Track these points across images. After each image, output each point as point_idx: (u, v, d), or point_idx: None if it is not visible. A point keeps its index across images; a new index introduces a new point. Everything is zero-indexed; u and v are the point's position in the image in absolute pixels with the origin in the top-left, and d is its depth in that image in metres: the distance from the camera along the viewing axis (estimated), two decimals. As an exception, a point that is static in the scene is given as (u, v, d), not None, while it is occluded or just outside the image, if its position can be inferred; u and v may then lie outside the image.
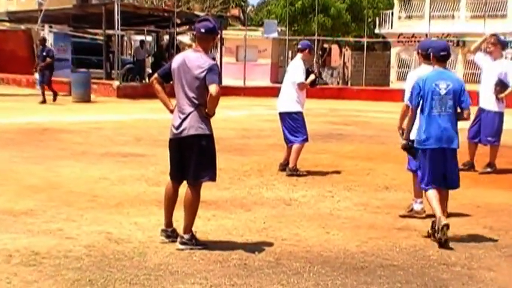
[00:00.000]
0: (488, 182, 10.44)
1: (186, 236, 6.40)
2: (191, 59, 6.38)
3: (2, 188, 8.84)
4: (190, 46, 50.40)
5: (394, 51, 41.09)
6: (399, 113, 7.63)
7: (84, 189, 8.93)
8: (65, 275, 5.48)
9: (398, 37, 40.39)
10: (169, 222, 6.62)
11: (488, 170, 11.11)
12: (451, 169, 7.14)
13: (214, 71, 6.28)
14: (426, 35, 31.92)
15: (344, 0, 42.35)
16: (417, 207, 8.04)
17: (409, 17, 41.64)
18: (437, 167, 7.09)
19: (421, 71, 7.82)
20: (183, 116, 6.34)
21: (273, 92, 31.42)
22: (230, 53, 44.17)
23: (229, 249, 6.38)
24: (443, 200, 7.12)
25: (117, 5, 26.85)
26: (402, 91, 7.88)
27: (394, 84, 38.29)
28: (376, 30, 42.68)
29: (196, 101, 6.31)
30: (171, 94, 6.42)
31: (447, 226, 6.65)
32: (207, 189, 9.11)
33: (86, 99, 23.83)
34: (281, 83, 11.48)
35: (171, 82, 6.52)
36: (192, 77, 6.29)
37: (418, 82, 7.10)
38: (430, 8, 36.23)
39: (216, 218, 7.61)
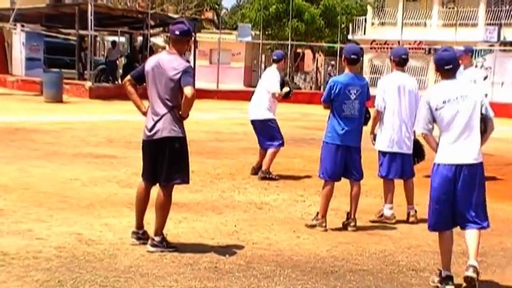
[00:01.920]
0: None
1: (157, 239, 6.39)
2: (165, 61, 6.39)
3: (-28, 187, 8.74)
4: (164, 48, 50.36)
5: (366, 57, 41.32)
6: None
7: (55, 190, 8.88)
8: (34, 276, 5.44)
9: (371, 43, 40.68)
10: (140, 224, 6.61)
11: None
12: None
13: (189, 73, 6.31)
14: (398, 42, 32.17)
15: (318, 6, 42.50)
16: (387, 212, 8.11)
17: (382, 24, 41.99)
18: None
19: (393, 77, 7.98)
20: (156, 118, 6.34)
21: (246, 96, 31.45)
22: (204, 55, 44.19)
23: (200, 252, 6.39)
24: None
25: (91, 5, 26.72)
26: (373, 97, 7.96)
27: (367, 90, 38.51)
28: (350, 36, 42.90)
29: (170, 103, 6.32)
30: (144, 96, 6.42)
31: None
32: (178, 192, 9.11)
33: (58, 99, 23.65)
34: (254, 86, 11.51)
35: (144, 84, 6.52)
36: (166, 79, 6.30)
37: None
38: (403, 15, 36.47)
39: (188, 221, 7.61)
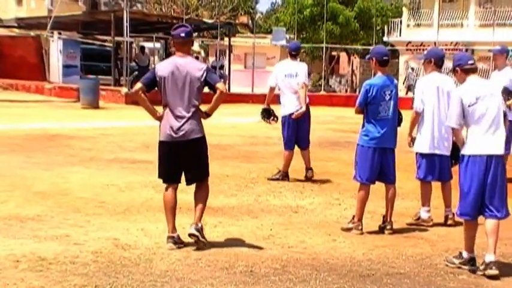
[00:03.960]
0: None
1: (200, 224, 6.60)
2: (184, 63, 6.61)
3: (11, 193, 8.87)
4: (199, 53, 50.64)
5: (402, 59, 41.08)
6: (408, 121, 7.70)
7: (92, 196, 8.96)
8: (71, 281, 5.49)
9: (407, 45, 40.42)
10: (174, 227, 6.67)
11: None
12: None
13: (212, 71, 6.71)
14: (435, 43, 31.89)
15: (353, 8, 42.34)
16: (424, 215, 8.03)
17: (418, 25, 41.67)
18: None
19: (432, 78, 7.86)
20: (182, 120, 6.55)
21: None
22: (238, 60, 44.28)
23: (236, 256, 6.39)
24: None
25: (126, 12, 26.98)
26: (411, 99, 7.89)
27: (403, 92, 38.25)
28: (385, 38, 42.67)
29: (196, 103, 6.58)
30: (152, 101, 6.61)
31: None
32: (214, 197, 9.14)
33: (94, 105, 23.88)
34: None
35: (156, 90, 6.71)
36: (192, 80, 6.54)
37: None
38: (439, 16, 36.22)
39: (223, 225, 7.62)
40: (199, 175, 6.76)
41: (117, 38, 29.22)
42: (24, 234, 6.86)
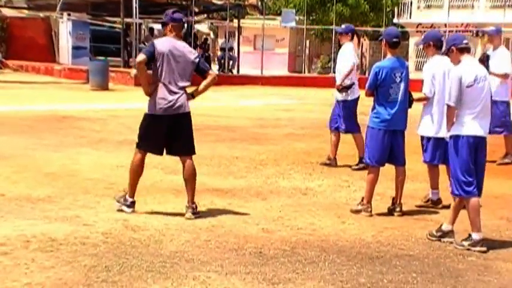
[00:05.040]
0: (506, 173, 10.38)
1: (194, 205, 7.06)
2: (181, 45, 7.10)
3: (21, 175, 8.90)
4: (208, 35, 50.49)
5: (412, 41, 40.78)
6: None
7: (102, 177, 8.99)
8: (81, 262, 5.53)
9: (417, 27, 40.12)
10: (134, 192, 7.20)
11: (506, 160, 11.04)
12: None
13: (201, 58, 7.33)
14: (445, 25, 31.71)
15: (363, -10, 42.11)
16: (433, 197, 8.03)
17: (428, 7, 41.38)
18: None
19: (440, 62, 7.76)
20: (176, 95, 6.97)
21: (290, 82, 31.61)
22: (248, 42, 44.09)
23: (245, 237, 6.41)
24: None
25: (136, -7, 26.90)
26: (421, 81, 7.86)
27: (413, 74, 38.06)
28: (395, 20, 42.39)
29: (187, 82, 7.04)
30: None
31: None
32: (223, 178, 9.18)
33: (104, 87, 23.88)
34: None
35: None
36: (187, 62, 7.02)
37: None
38: (450, -3, 35.90)
39: (232, 207, 7.64)
40: (186, 148, 7.17)
41: (126, 20, 29.17)
42: (35, 215, 6.90)
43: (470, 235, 6.42)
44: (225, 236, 6.41)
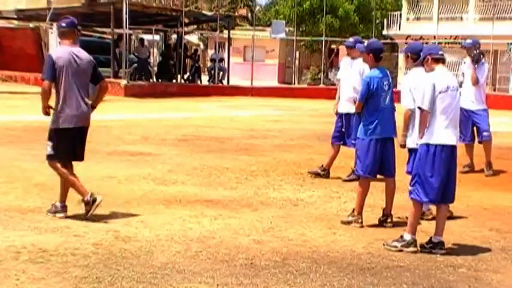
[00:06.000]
0: (495, 184, 10.43)
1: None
2: (77, 53, 7.40)
3: (11, 185, 8.87)
4: (198, 45, 50.58)
5: (402, 53, 41.02)
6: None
7: (92, 188, 8.90)
8: (72, 273, 5.50)
9: (406, 39, 40.26)
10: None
11: (491, 172, 11.05)
12: None
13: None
14: (434, 37, 31.86)
15: (352, 1, 42.32)
16: (424, 208, 8.02)
17: (418, 19, 41.62)
18: None
19: (415, 74, 7.63)
20: (86, 107, 7.48)
21: (280, 93, 31.66)
22: (238, 53, 44.23)
23: (236, 248, 6.40)
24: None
25: (126, 3, 26.88)
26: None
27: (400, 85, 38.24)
28: (384, 32, 42.64)
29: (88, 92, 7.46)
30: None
31: None
32: (213, 189, 9.17)
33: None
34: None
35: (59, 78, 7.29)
36: (86, 71, 7.43)
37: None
38: (439, 9, 36.17)
39: (223, 217, 7.63)
40: (82, 156, 7.79)
41: (116, 30, 29.16)
42: (25, 226, 6.87)
43: (431, 238, 6.73)
44: (216, 247, 6.40)
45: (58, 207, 7.32)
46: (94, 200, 7.23)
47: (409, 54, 7.77)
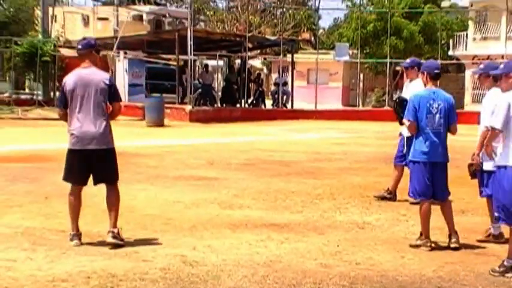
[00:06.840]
0: None
1: (116, 230, 7.21)
2: (87, 74, 7.24)
3: (80, 211, 9.00)
4: (261, 70, 50.83)
5: (468, 73, 40.39)
6: (476, 136, 7.50)
7: (159, 212, 9.05)
8: (140, 297, 5.55)
9: (473, 59, 39.73)
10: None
11: None
12: None
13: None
14: (502, 57, 31.28)
15: (417, 23, 41.90)
16: (495, 231, 7.85)
17: (484, 39, 40.92)
18: None
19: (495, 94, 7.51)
20: (98, 128, 7.40)
21: (344, 115, 31.54)
22: (301, 76, 44.25)
23: (303, 272, 6.36)
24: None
25: (190, 30, 27.30)
26: (478, 114, 7.72)
27: (469, 106, 37.62)
28: (450, 52, 42.07)
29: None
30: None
31: None
32: (279, 212, 9.15)
33: (159, 123, 24.20)
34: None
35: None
36: (98, 92, 7.23)
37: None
38: (507, 28, 35.48)
39: (289, 241, 7.60)
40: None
41: (181, 57, 29.58)
42: (94, 251, 6.98)
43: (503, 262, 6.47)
44: (282, 271, 6.37)
45: (115, 233, 7.35)
46: (71, 240, 7.32)
47: (489, 73, 7.63)
